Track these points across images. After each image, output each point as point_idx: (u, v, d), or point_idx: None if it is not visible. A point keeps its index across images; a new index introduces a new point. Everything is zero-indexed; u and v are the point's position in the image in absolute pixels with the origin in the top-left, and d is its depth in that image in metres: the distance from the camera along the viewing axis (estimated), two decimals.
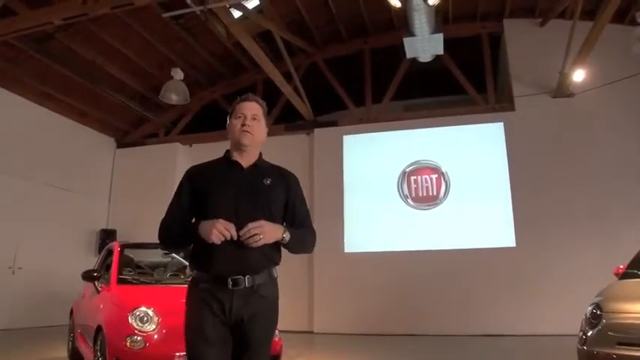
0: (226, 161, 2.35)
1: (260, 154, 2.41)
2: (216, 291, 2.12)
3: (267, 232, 2.10)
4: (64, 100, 10.86)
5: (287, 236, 2.18)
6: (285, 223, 2.30)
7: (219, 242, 2.05)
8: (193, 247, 2.23)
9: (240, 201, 2.19)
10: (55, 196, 10.59)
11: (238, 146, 2.31)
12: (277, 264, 2.29)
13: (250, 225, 2.06)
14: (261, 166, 2.37)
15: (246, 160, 2.33)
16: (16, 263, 9.57)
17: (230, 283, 2.11)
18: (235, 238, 2.06)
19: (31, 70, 9.71)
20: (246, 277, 2.12)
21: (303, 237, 2.33)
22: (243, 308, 2.11)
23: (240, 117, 2.30)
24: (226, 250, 2.09)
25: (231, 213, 2.12)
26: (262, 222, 2.09)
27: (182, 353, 3.95)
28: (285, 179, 2.37)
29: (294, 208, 2.34)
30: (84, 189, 11.47)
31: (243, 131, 2.27)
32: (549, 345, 7.63)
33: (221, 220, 2.07)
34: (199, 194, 2.25)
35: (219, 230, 2.04)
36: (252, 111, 2.32)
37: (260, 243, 2.07)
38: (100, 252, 8.55)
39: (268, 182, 2.29)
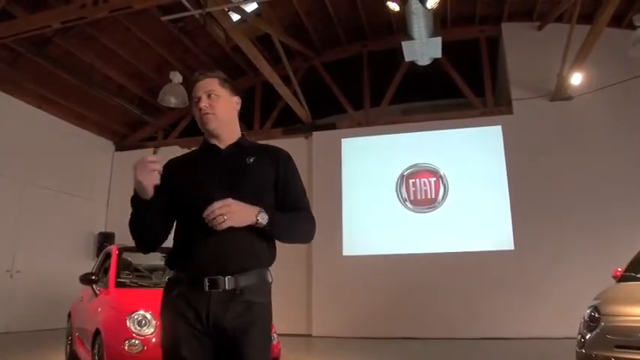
0: (204, 146, 2.07)
1: (243, 134, 2.11)
2: (190, 296, 1.80)
3: (234, 211, 1.74)
4: (63, 104, 10.86)
5: (262, 219, 1.80)
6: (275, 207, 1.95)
7: (154, 181, 1.82)
8: (172, 246, 1.95)
9: (217, 186, 1.88)
10: (54, 199, 10.58)
11: (208, 133, 2.03)
12: (269, 264, 1.95)
13: (215, 204, 1.72)
14: (243, 144, 2.07)
15: (224, 142, 2.03)
16: (15, 267, 9.55)
17: (207, 284, 1.78)
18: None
19: (30, 73, 9.71)
20: (226, 278, 1.79)
21: (290, 221, 1.95)
22: (223, 316, 1.77)
23: (196, 101, 2.01)
24: (206, 245, 1.80)
25: (208, 200, 1.75)
26: (229, 200, 1.74)
27: None
28: (272, 154, 2.05)
29: (285, 187, 1.99)
30: (82, 192, 11.45)
31: (203, 115, 1.98)
32: (548, 348, 7.64)
33: (145, 156, 1.84)
34: (176, 186, 1.94)
35: (142, 164, 1.82)
36: (205, 89, 2.01)
37: (225, 225, 1.73)
38: (98, 255, 8.54)
39: (251, 160, 1.98)
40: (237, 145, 2.05)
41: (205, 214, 1.73)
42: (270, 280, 1.94)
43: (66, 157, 11.03)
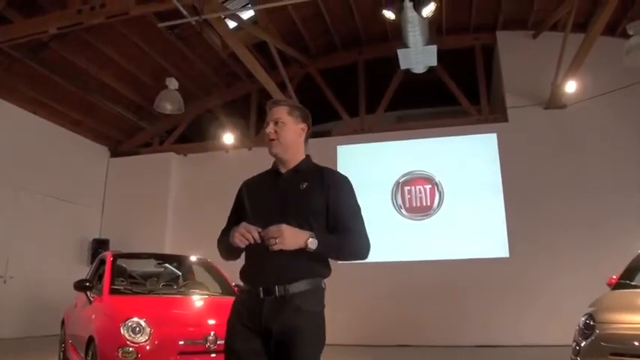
0: (271, 170, 2.31)
1: (307, 156, 2.30)
2: (249, 302, 2.07)
3: (286, 237, 1.94)
4: (58, 109, 10.82)
5: (312, 244, 1.98)
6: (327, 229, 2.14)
7: (243, 245, 2.01)
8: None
9: (273, 210, 2.09)
10: (48, 204, 10.51)
11: (273, 157, 2.27)
12: (322, 276, 2.18)
13: (270, 228, 1.95)
14: (301, 170, 2.24)
15: (286, 165, 2.24)
16: (8, 272, 9.46)
17: (261, 291, 2.03)
18: (258, 240, 1.97)
19: (26, 78, 9.68)
20: (277, 286, 2.02)
21: (338, 244, 2.12)
22: (272, 318, 2.00)
23: (265, 127, 2.26)
24: (262, 259, 2.03)
25: (264, 224, 1.99)
26: (283, 226, 1.95)
27: None
28: (325, 179, 2.20)
29: (336, 210, 2.15)
30: (77, 198, 11.40)
31: (268, 140, 2.22)
32: (543, 356, 7.64)
33: (244, 223, 2.02)
34: (245, 207, 2.21)
35: (241, 232, 1.98)
36: (273, 117, 2.23)
37: (276, 248, 1.93)
38: (92, 261, 8.50)
39: (304, 186, 2.15)
40: (295, 171, 2.24)
41: (262, 234, 1.97)
42: (323, 287, 2.20)
43: (61, 163, 10.97)
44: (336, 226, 2.13)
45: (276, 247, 1.94)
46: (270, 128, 2.21)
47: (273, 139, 2.20)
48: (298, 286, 2.04)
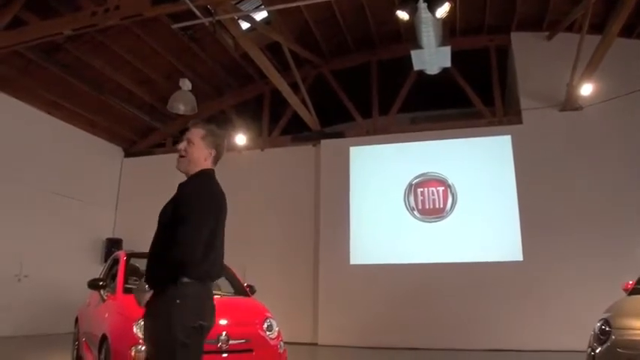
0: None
1: (201, 171, 2.51)
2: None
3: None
4: (73, 110, 10.95)
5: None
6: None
7: None
8: None
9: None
10: (63, 204, 10.64)
11: (178, 170, 2.56)
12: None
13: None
14: (182, 183, 2.50)
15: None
16: (23, 271, 9.59)
17: None
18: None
19: (41, 79, 9.80)
20: None
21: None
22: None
23: (179, 144, 2.56)
24: None
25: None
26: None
27: None
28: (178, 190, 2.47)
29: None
30: (91, 198, 11.52)
31: (178, 156, 2.52)
32: None
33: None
34: None
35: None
36: (188, 136, 2.53)
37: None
38: (106, 261, 8.56)
39: (172, 197, 2.47)
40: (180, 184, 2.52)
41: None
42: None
43: (75, 163, 11.11)
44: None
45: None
46: (182, 146, 2.50)
47: (182, 156, 2.49)
48: None
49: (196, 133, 2.51)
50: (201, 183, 2.45)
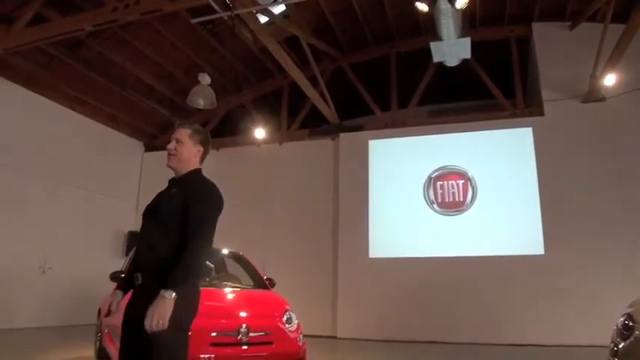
0: (170, 179, 2.71)
1: (197, 169, 2.65)
2: None
3: (154, 316, 2.17)
4: (95, 105, 11.12)
5: (169, 295, 2.18)
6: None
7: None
8: None
9: (147, 209, 2.62)
10: (85, 198, 10.84)
11: (169, 168, 2.67)
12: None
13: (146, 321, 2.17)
14: (182, 180, 2.60)
15: (178, 176, 2.65)
16: (47, 263, 9.80)
17: None
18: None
19: (63, 75, 9.96)
20: None
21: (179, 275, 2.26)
22: None
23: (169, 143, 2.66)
24: None
25: (143, 221, 2.62)
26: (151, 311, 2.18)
27: (207, 355, 4.00)
28: (186, 187, 2.52)
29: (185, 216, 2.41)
30: (113, 192, 11.70)
31: (168, 154, 2.63)
32: (578, 356, 7.47)
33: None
34: None
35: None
36: (176, 135, 2.64)
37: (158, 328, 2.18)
38: (127, 254, 8.70)
39: (173, 191, 2.53)
40: (177, 180, 2.63)
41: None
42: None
43: (97, 158, 11.29)
44: (185, 231, 2.35)
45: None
46: (171, 145, 2.62)
47: (172, 155, 2.61)
48: None
49: (184, 133, 2.64)
50: (209, 184, 2.58)
